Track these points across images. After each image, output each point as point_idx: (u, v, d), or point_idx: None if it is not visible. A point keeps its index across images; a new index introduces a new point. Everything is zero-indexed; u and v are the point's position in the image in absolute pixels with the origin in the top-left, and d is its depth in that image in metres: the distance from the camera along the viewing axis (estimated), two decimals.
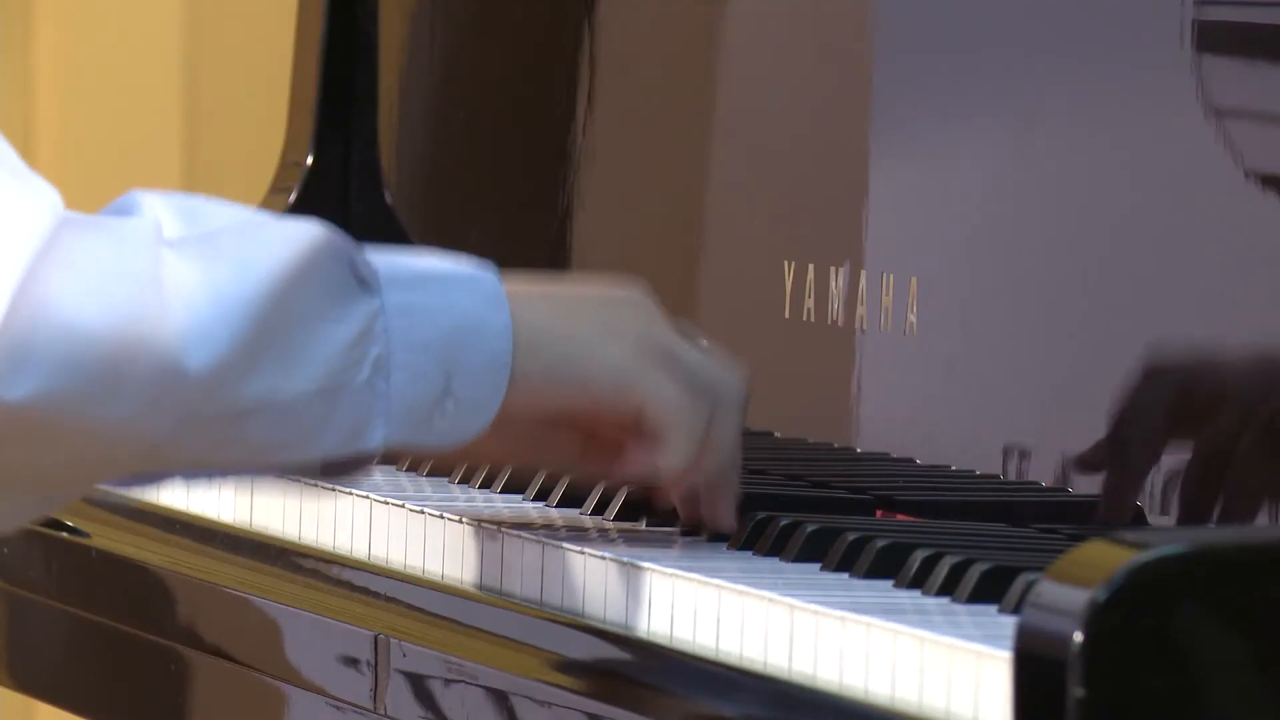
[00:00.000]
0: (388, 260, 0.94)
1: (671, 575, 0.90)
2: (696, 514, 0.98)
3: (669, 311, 0.99)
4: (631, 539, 0.99)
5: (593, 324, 0.95)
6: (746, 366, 1.00)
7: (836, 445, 1.20)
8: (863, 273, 1.18)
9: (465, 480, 1.12)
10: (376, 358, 0.90)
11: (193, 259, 0.90)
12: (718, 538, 0.98)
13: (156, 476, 0.98)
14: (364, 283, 0.91)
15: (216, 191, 2.64)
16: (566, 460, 1.00)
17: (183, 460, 0.93)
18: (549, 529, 1.00)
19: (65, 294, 0.88)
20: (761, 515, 0.97)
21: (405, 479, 1.15)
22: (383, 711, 1.03)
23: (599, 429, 0.97)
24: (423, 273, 0.94)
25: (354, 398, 0.91)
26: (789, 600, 0.82)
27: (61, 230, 0.90)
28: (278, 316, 0.90)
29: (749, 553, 0.96)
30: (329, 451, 0.92)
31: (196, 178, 2.56)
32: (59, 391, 0.87)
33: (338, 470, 0.95)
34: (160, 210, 0.94)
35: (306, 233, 0.92)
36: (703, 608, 0.87)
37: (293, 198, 1.55)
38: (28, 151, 2.54)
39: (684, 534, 0.99)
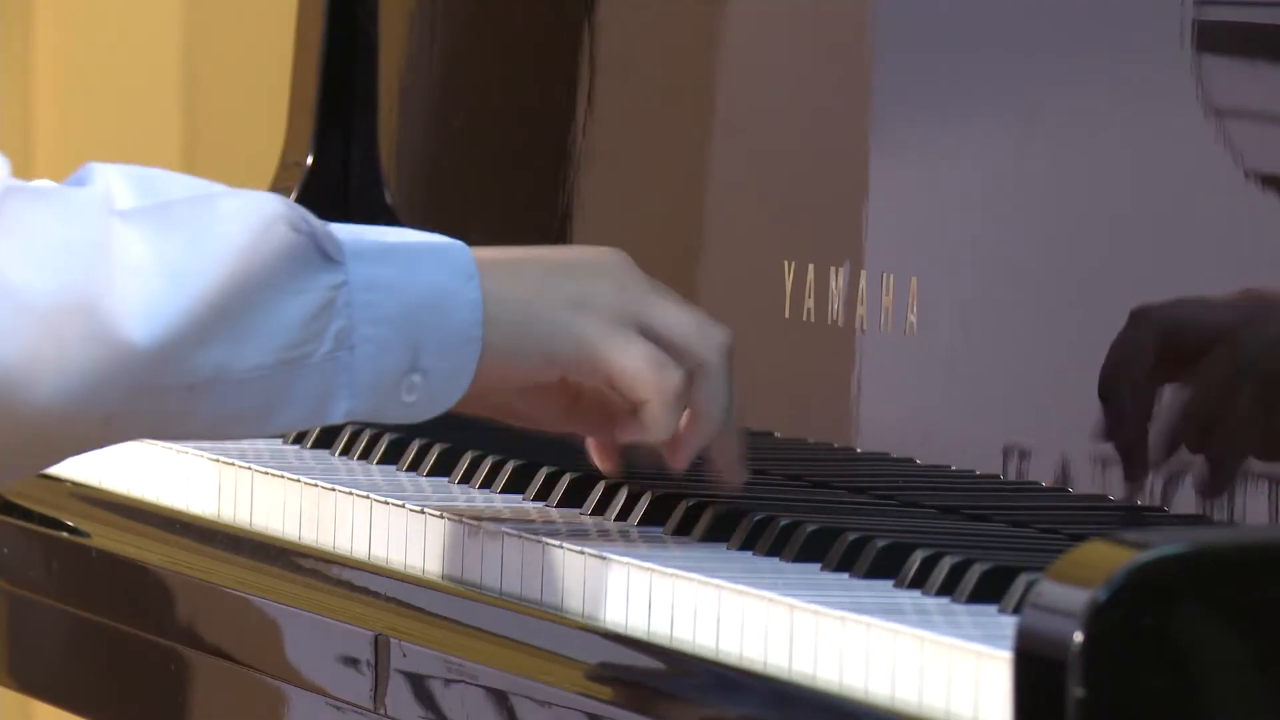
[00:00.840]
0: (354, 234, 0.93)
1: (672, 575, 0.90)
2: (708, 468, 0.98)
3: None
4: (632, 539, 0.99)
5: (561, 294, 0.94)
6: (745, 362, 1.00)
7: (836, 445, 1.20)
8: (863, 273, 1.18)
9: (465, 480, 1.13)
10: (339, 330, 0.90)
11: (144, 229, 0.90)
12: (718, 538, 0.98)
13: (116, 443, 0.98)
14: (327, 256, 0.90)
15: None
16: (550, 423, 1.00)
17: (138, 431, 0.94)
18: (549, 529, 1.00)
19: (8, 263, 0.88)
20: (761, 515, 0.97)
21: (405, 479, 1.15)
22: (383, 711, 1.03)
23: (584, 392, 0.97)
24: (390, 246, 0.93)
25: (316, 370, 0.90)
26: (789, 600, 0.82)
27: (7, 199, 0.89)
28: (231, 288, 0.89)
29: (749, 553, 0.96)
30: (290, 424, 0.93)
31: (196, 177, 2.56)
32: (4, 361, 0.87)
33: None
34: (114, 180, 0.93)
35: (263, 204, 0.91)
36: (703, 608, 0.87)
37: (293, 198, 1.55)
38: (27, 150, 2.55)
39: (681, 534, 0.99)
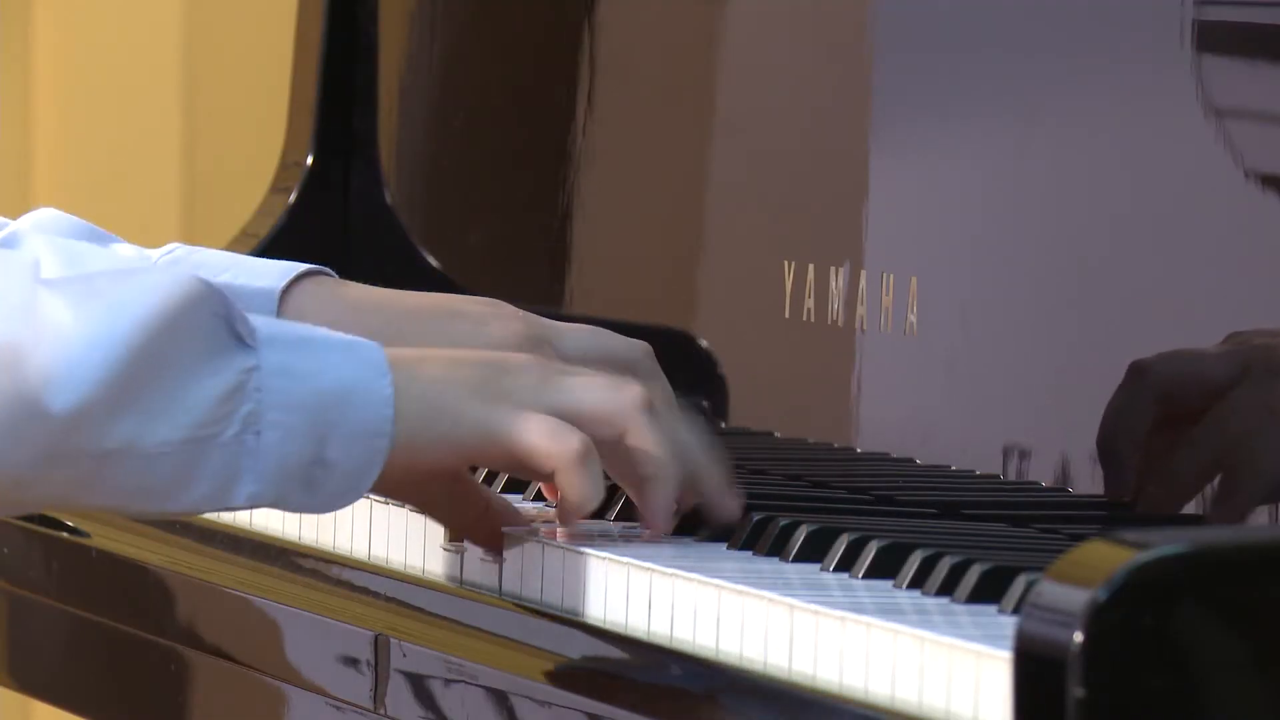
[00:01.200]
0: (270, 323, 0.94)
1: (671, 575, 0.90)
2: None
3: (662, 312, 0.99)
4: (631, 539, 0.99)
5: (467, 385, 0.94)
6: (745, 362, 1.00)
7: (836, 445, 1.20)
8: (863, 273, 1.18)
9: None
10: (248, 414, 0.90)
11: (68, 298, 0.90)
12: (718, 538, 0.98)
13: (24, 508, 0.99)
14: (240, 339, 0.91)
15: (216, 191, 2.65)
16: (472, 506, 1.01)
17: (47, 496, 0.95)
18: (549, 529, 1.00)
19: None
20: (761, 515, 0.97)
21: None
22: (383, 711, 1.03)
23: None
24: (304, 336, 0.94)
25: (222, 452, 0.90)
26: (789, 600, 0.82)
27: None
28: (147, 363, 0.90)
29: (749, 553, 0.96)
30: (194, 503, 0.92)
31: (196, 178, 2.56)
32: None
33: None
34: (41, 249, 0.95)
35: (182, 284, 0.92)
36: (703, 608, 0.87)
37: (293, 198, 1.55)
38: (26, 153, 2.55)
39: (681, 534, 0.99)
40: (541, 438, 0.93)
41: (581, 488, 0.93)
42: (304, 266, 1.06)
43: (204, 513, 0.99)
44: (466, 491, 1.00)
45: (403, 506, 1.06)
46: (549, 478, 0.95)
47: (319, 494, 0.93)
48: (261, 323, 0.93)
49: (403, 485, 0.98)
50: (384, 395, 0.92)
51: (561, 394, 0.95)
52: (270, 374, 0.91)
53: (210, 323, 0.91)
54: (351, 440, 0.92)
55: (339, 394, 0.92)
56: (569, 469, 0.93)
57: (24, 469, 0.90)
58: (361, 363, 0.93)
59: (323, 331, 0.95)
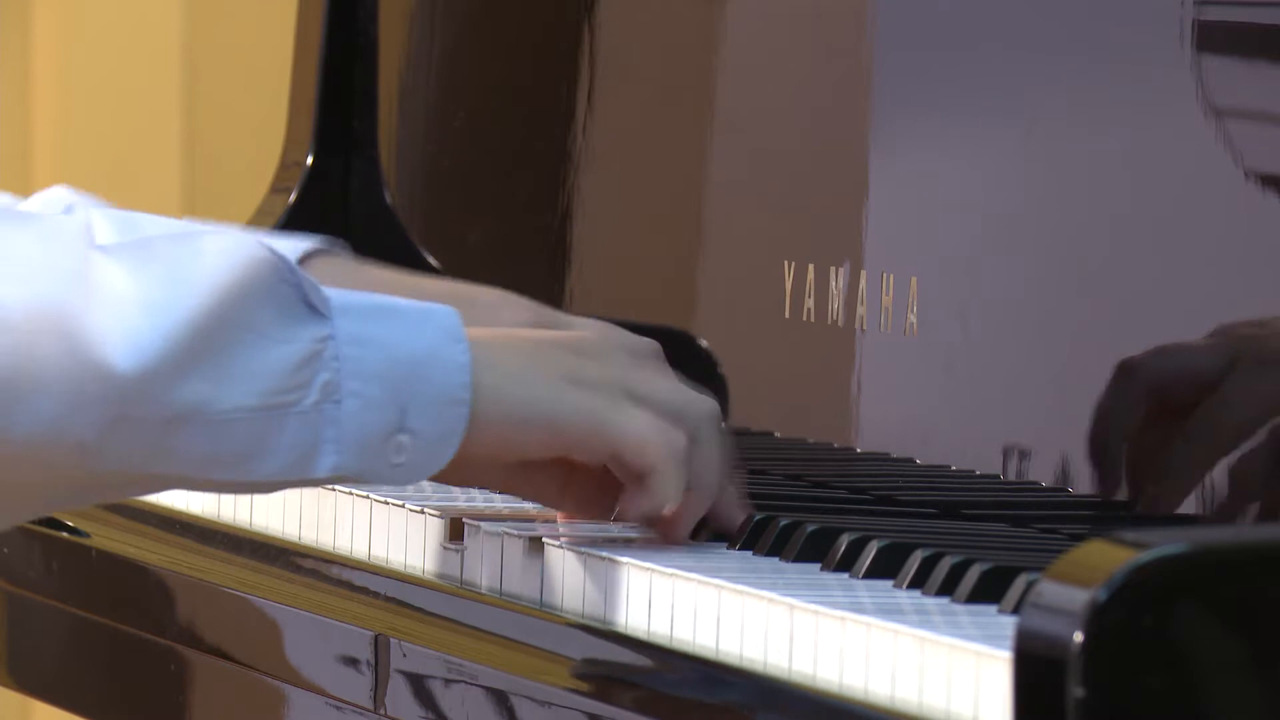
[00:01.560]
0: (342, 293, 0.93)
1: (671, 575, 0.90)
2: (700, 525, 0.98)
3: (662, 312, 0.99)
4: (631, 539, 0.99)
5: (555, 368, 0.94)
6: (745, 362, 1.00)
7: (836, 445, 1.20)
8: (863, 273, 1.18)
9: None
10: (325, 383, 0.89)
11: (124, 262, 0.90)
12: (718, 537, 0.98)
13: (97, 489, 0.96)
14: (313, 308, 0.90)
15: (217, 191, 2.65)
16: (548, 498, 1.00)
17: (113, 471, 0.91)
18: (549, 529, 1.00)
19: None
20: (761, 515, 0.97)
21: None
22: (383, 711, 1.03)
23: (580, 467, 0.97)
24: (378, 305, 0.93)
25: (300, 421, 0.89)
26: (789, 600, 0.82)
27: None
28: (213, 323, 0.88)
29: (749, 553, 0.96)
30: (273, 474, 0.91)
31: (196, 178, 2.56)
32: None
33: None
34: (94, 217, 0.94)
35: (247, 248, 0.91)
36: (703, 608, 0.87)
37: (293, 198, 1.55)
38: (26, 151, 2.55)
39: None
40: (650, 431, 0.93)
41: (676, 489, 0.93)
42: (312, 241, 1.05)
43: (284, 487, 0.97)
44: (580, 489, 0.98)
45: (402, 506, 1.06)
46: (633, 475, 0.94)
47: (402, 465, 0.91)
48: (334, 292, 0.92)
49: (499, 474, 0.97)
50: (460, 362, 0.91)
51: (642, 385, 0.95)
52: (346, 343, 0.90)
53: (280, 289, 0.90)
54: (431, 408, 0.91)
55: (416, 361, 0.91)
56: (672, 468, 0.93)
57: (86, 435, 0.88)
58: (437, 330, 0.92)
59: (395, 300, 0.94)
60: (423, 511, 1.05)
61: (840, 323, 1.18)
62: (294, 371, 0.89)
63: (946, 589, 0.85)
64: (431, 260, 1.53)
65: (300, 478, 0.93)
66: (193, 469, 0.92)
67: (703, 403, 0.96)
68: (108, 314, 0.88)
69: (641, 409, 0.93)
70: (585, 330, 1.02)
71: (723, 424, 0.97)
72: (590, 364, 0.95)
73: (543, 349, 0.96)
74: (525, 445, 0.95)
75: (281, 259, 0.92)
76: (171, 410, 0.89)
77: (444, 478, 0.96)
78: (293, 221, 1.54)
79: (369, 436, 0.91)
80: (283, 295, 0.90)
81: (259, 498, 1.17)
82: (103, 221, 0.93)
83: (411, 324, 0.92)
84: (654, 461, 0.93)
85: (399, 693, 1.02)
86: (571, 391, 0.93)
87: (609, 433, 0.93)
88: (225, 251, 0.90)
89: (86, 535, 1.30)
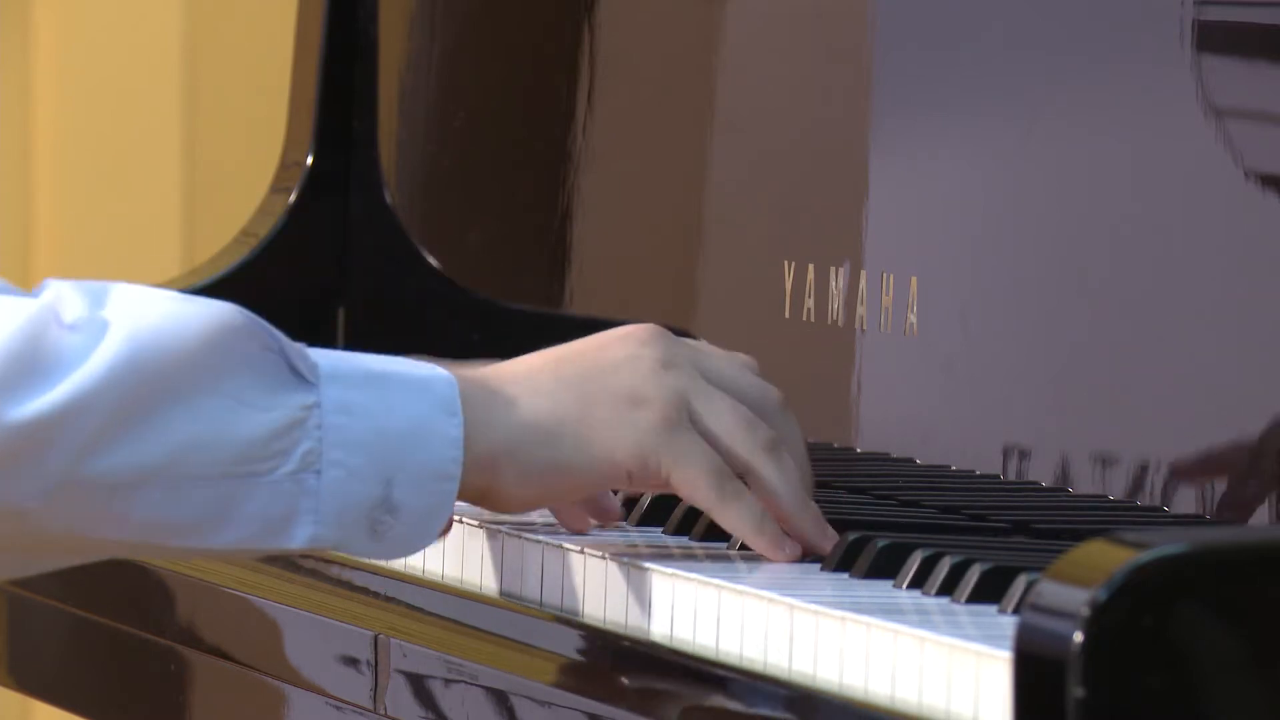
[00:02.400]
0: (335, 357, 0.90)
1: (671, 575, 0.90)
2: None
3: (662, 313, 0.99)
4: (631, 539, 0.99)
5: (607, 394, 0.91)
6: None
7: (836, 445, 1.20)
8: (863, 273, 1.18)
9: None
10: (306, 452, 0.87)
11: (84, 335, 0.86)
12: (717, 537, 0.98)
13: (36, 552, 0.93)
14: (299, 374, 0.88)
15: (217, 191, 2.65)
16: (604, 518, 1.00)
17: (58, 535, 0.88)
18: (549, 529, 1.00)
19: None
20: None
21: None
22: (383, 711, 1.03)
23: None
24: (370, 372, 0.90)
25: (274, 489, 0.87)
26: (789, 600, 0.82)
27: None
28: (161, 388, 0.86)
29: (749, 552, 0.96)
30: (241, 542, 0.88)
31: (196, 178, 2.56)
32: None
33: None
34: (65, 292, 0.89)
35: (220, 315, 0.88)
36: (703, 607, 0.87)
37: (293, 198, 1.55)
38: (26, 153, 2.55)
39: (680, 534, 0.99)
40: (703, 481, 0.91)
41: (737, 519, 0.92)
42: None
43: (251, 555, 0.95)
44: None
45: None
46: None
47: (385, 538, 0.89)
48: (324, 357, 0.89)
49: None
50: (452, 436, 0.88)
51: (703, 405, 0.92)
52: (332, 411, 0.87)
53: (260, 357, 0.88)
54: (418, 481, 0.88)
55: (405, 434, 0.88)
56: (723, 516, 0.93)
57: (28, 498, 0.85)
58: (431, 402, 0.89)
59: (393, 366, 0.91)
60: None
61: (840, 323, 1.18)
62: (269, 440, 0.87)
63: (946, 589, 0.85)
64: (431, 260, 1.53)
65: (271, 547, 0.90)
66: (144, 534, 0.89)
67: (761, 435, 0.93)
68: (57, 375, 0.85)
69: (699, 446, 0.90)
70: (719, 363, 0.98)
71: (792, 460, 0.94)
72: (644, 379, 0.91)
73: (591, 377, 0.92)
74: (556, 492, 0.94)
75: (261, 325, 0.89)
76: (114, 476, 0.86)
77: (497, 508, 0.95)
78: (293, 221, 1.54)
79: (350, 508, 0.88)
80: (261, 362, 0.88)
81: None
82: (74, 295, 0.89)
83: (404, 393, 0.89)
84: (707, 507, 0.92)
85: (399, 693, 1.02)
86: (624, 416, 0.91)
87: (663, 470, 0.91)
88: (196, 318, 0.88)
89: None
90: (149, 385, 0.86)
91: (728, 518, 0.92)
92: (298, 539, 0.88)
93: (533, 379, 0.93)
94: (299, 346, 0.89)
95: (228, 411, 0.87)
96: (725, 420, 0.92)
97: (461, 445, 0.89)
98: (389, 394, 0.89)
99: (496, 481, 0.91)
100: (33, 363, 0.86)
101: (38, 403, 0.85)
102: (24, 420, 0.85)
